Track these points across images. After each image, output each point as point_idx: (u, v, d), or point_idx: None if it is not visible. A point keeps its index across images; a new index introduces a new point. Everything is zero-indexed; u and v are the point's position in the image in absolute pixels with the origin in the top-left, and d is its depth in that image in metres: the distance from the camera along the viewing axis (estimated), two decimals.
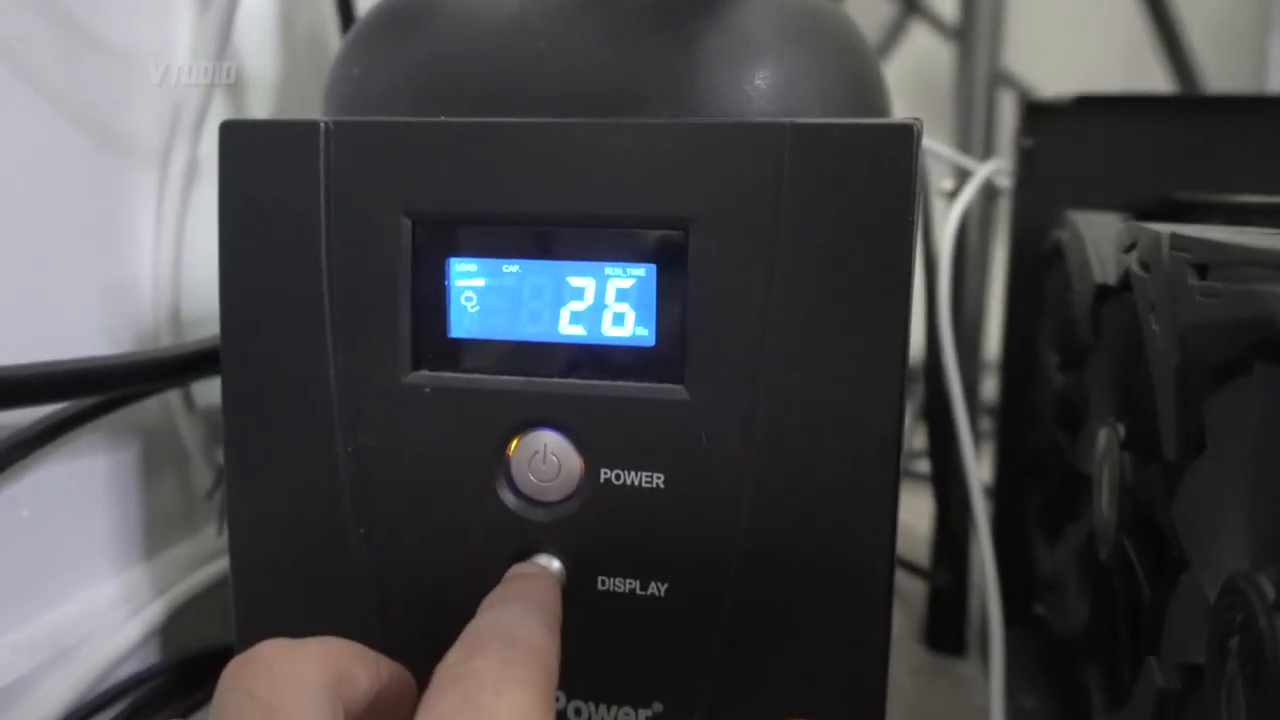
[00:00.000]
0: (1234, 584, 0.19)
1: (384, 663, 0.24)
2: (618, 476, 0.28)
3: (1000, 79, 0.72)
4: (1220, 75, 0.88)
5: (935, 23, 0.94)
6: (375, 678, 0.23)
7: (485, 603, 0.24)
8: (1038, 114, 0.48)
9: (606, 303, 0.28)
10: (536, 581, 0.26)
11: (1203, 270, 0.23)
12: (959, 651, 0.50)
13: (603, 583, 0.28)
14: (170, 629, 0.40)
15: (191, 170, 0.42)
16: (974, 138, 0.62)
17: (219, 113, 0.44)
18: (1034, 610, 0.46)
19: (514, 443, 0.28)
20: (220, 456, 0.44)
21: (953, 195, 0.53)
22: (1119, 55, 0.98)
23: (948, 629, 0.50)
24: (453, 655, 0.21)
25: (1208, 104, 0.48)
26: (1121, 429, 0.30)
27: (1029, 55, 0.90)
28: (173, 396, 0.42)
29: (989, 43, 0.67)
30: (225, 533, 0.43)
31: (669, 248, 0.28)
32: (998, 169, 0.54)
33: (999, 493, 0.50)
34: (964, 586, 0.50)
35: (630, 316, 0.28)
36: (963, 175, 0.54)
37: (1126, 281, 0.30)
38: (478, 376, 0.29)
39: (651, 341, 0.28)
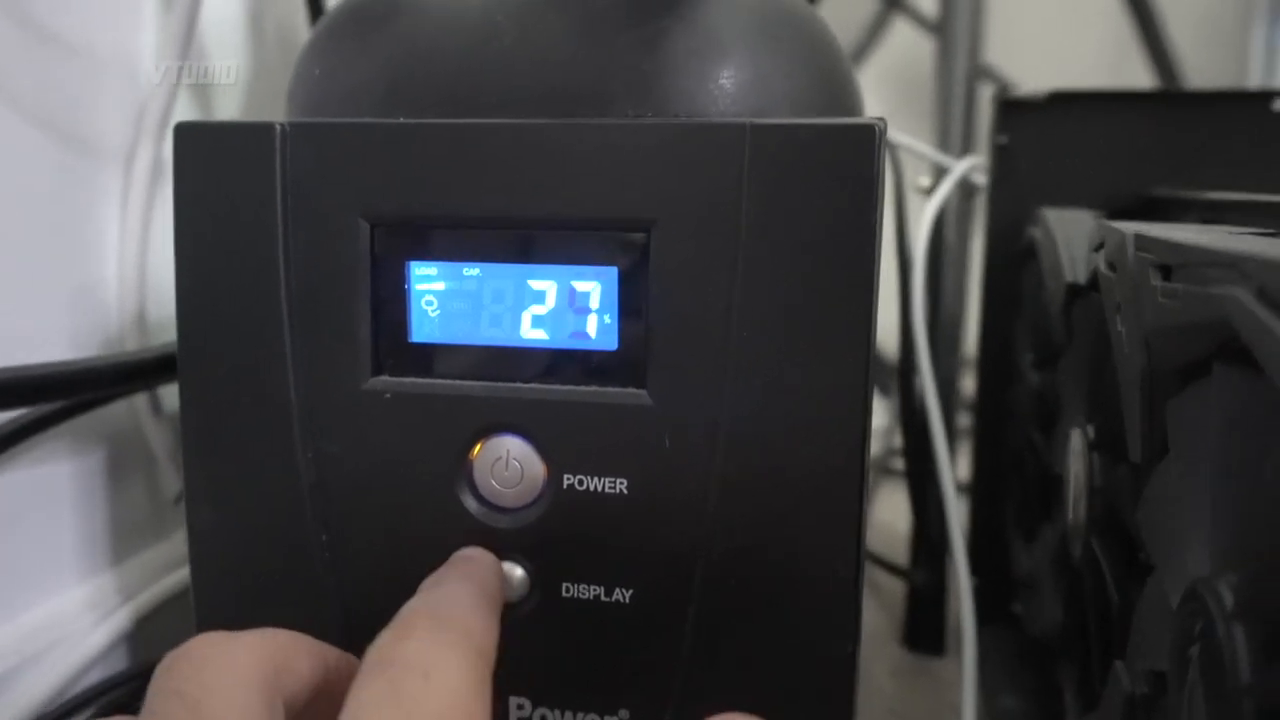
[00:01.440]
0: (1194, 591, 0.19)
1: (331, 652, 0.23)
2: (580, 482, 0.27)
3: (981, 74, 0.72)
4: (1202, 70, 0.88)
5: (916, 18, 0.94)
6: (319, 666, 0.23)
7: (422, 585, 0.24)
8: (1012, 111, 0.48)
9: (569, 306, 0.28)
10: (476, 564, 0.26)
11: (1166, 271, 0.23)
12: (938, 651, 0.49)
13: (567, 589, 0.28)
14: (138, 635, 0.39)
15: (156, 172, 0.41)
16: (953, 134, 0.61)
17: (184, 112, 0.44)
18: (1013, 609, 0.46)
19: (476, 448, 0.28)
20: None
21: (929, 192, 0.53)
22: (1100, 50, 0.98)
23: (927, 629, 0.50)
24: (383, 638, 0.21)
25: (1183, 100, 0.48)
26: (1091, 430, 0.30)
27: (1010, 51, 0.90)
28: (139, 401, 0.41)
29: (968, 38, 0.67)
30: None
31: (631, 250, 0.27)
32: (974, 166, 0.54)
33: (977, 491, 0.50)
34: (943, 586, 0.50)
35: (592, 320, 0.28)
36: (940, 172, 0.54)
37: (1096, 281, 0.30)
38: (439, 382, 0.28)
39: (614, 345, 0.28)
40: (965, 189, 0.56)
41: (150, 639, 0.40)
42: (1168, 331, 0.22)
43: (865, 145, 0.26)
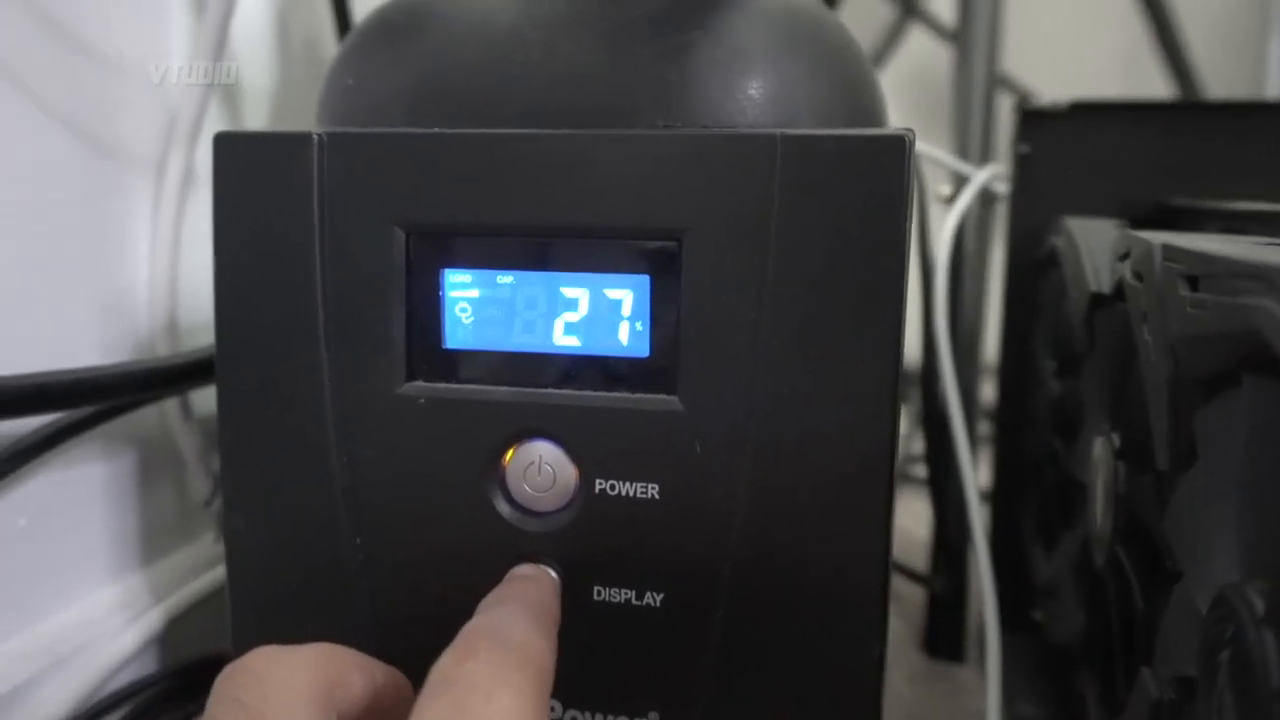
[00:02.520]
0: (1224, 597, 0.19)
1: (379, 668, 0.24)
2: (612, 487, 0.28)
3: (999, 83, 0.72)
4: (1219, 79, 0.88)
5: (934, 26, 0.94)
6: (370, 683, 0.23)
7: (482, 604, 0.24)
8: (1034, 120, 0.48)
9: (601, 314, 0.28)
10: (534, 583, 0.26)
11: (1194, 282, 0.23)
12: (958, 657, 0.50)
13: (598, 593, 0.28)
14: (168, 637, 0.40)
15: (187, 179, 0.42)
16: (972, 143, 0.62)
17: (215, 121, 0.44)
18: (1032, 616, 0.46)
19: (509, 453, 0.29)
20: (217, 465, 0.44)
21: (950, 200, 0.53)
22: (1118, 59, 0.98)
23: (946, 635, 0.50)
24: (445, 659, 0.21)
25: (1203, 110, 0.48)
26: (1116, 438, 0.30)
27: (1028, 59, 0.90)
28: (169, 405, 0.42)
29: (987, 47, 0.67)
30: (221, 540, 0.44)
31: (663, 259, 0.28)
32: (995, 174, 0.54)
33: (997, 498, 0.50)
34: (963, 592, 0.50)
35: (624, 327, 0.28)
36: (960, 181, 0.54)
37: (1120, 290, 0.30)
38: (472, 387, 0.29)
39: (645, 352, 0.28)
40: (984, 198, 0.56)
41: (180, 641, 0.41)
42: (1195, 341, 0.22)
43: (895, 156, 0.26)
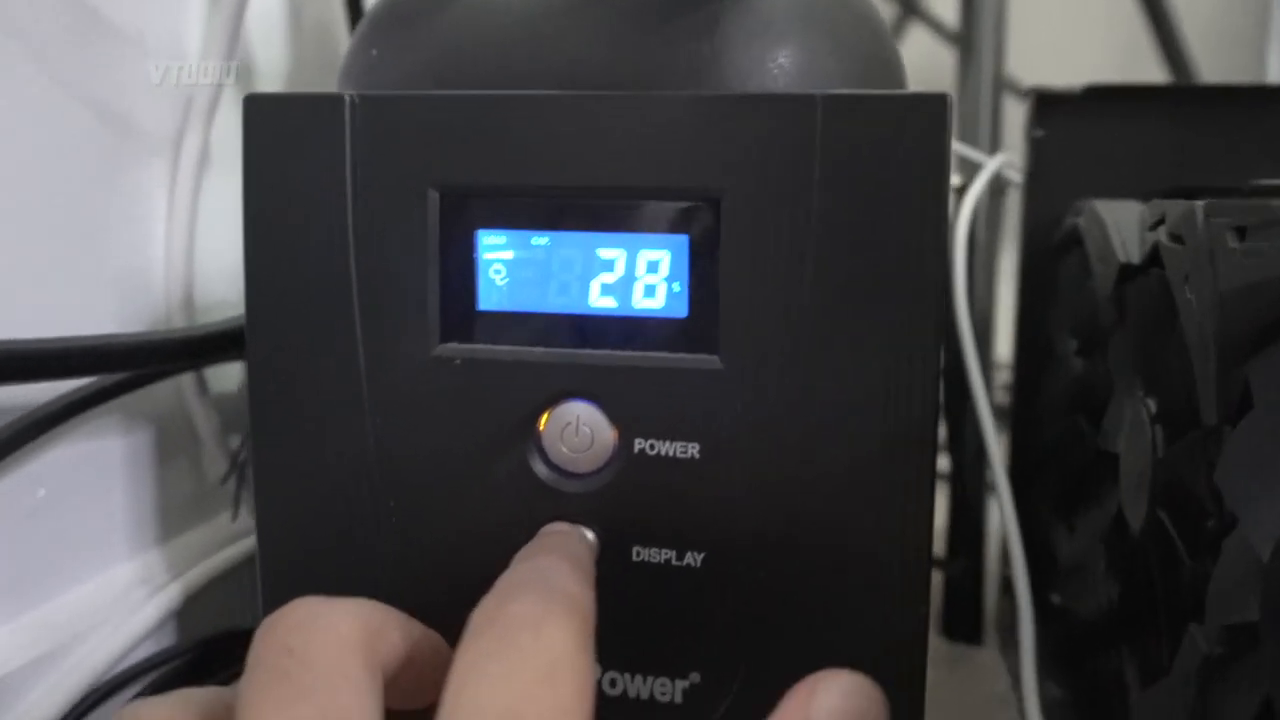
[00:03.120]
0: None
1: (416, 626, 0.24)
2: (651, 447, 0.28)
3: (1002, 83, 0.73)
4: (1218, 77, 0.88)
5: (935, 26, 0.95)
6: (408, 640, 0.23)
7: (518, 556, 0.24)
8: (1048, 105, 0.48)
9: (637, 275, 0.28)
10: (569, 537, 0.26)
11: (1242, 233, 0.23)
12: (976, 640, 0.49)
13: (637, 553, 0.28)
14: (186, 612, 0.39)
15: (204, 158, 0.41)
16: (981, 133, 0.62)
17: (230, 102, 0.44)
18: (1050, 600, 0.46)
19: (545, 415, 0.28)
20: (233, 443, 0.44)
21: (961, 191, 0.53)
22: (1118, 60, 0.99)
23: (964, 617, 0.50)
24: (488, 601, 0.21)
25: (1216, 94, 0.48)
26: (1151, 403, 0.30)
27: (1027, 59, 0.90)
28: (186, 381, 0.41)
29: (994, 38, 0.67)
30: (239, 519, 0.44)
31: (701, 219, 0.27)
32: (1007, 162, 0.54)
33: (1014, 484, 0.50)
34: (980, 575, 0.50)
35: (661, 288, 0.28)
36: (971, 170, 0.54)
37: (1152, 259, 0.30)
38: (508, 348, 0.28)
39: (684, 313, 0.28)
40: (993, 188, 0.56)
41: (198, 617, 0.40)
42: (1249, 291, 0.22)
43: (936, 115, 0.26)
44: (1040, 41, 0.93)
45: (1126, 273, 0.33)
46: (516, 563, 0.24)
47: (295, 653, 0.20)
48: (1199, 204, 0.25)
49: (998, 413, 0.61)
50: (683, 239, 0.28)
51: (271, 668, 0.20)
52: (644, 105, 0.27)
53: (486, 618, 0.20)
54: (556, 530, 0.27)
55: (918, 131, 0.26)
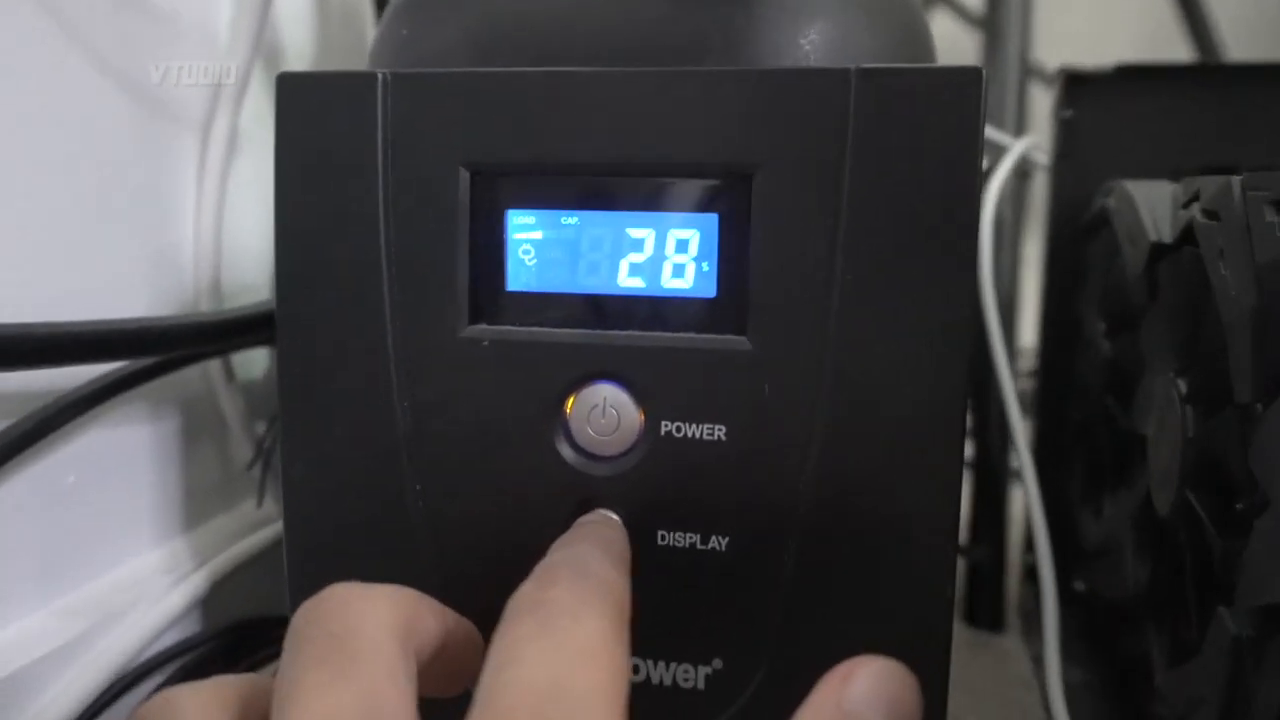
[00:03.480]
0: None
1: (450, 614, 0.24)
2: (678, 429, 0.27)
3: (1027, 67, 0.72)
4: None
5: (960, 10, 0.94)
6: (442, 627, 0.23)
7: (556, 544, 0.24)
8: (1077, 85, 0.48)
9: (666, 254, 0.28)
10: (605, 526, 0.26)
11: (1279, 207, 0.23)
12: (998, 627, 0.49)
13: (663, 537, 0.28)
14: (212, 599, 0.40)
15: (233, 140, 0.42)
16: (1007, 115, 0.61)
17: (259, 84, 0.44)
18: (1073, 586, 0.46)
19: (572, 396, 0.28)
20: (259, 430, 0.44)
21: (986, 174, 0.53)
22: (1143, 46, 0.98)
23: (987, 604, 0.49)
24: (527, 586, 0.21)
25: (1248, 72, 0.48)
26: (1183, 383, 0.30)
27: (1052, 44, 0.89)
28: (213, 367, 0.42)
29: (1019, 28, 0.66)
30: (263, 505, 0.44)
31: (731, 197, 0.27)
32: (1033, 144, 0.54)
33: (1040, 469, 0.49)
34: (1002, 561, 0.49)
35: (690, 268, 0.28)
36: (997, 153, 0.54)
37: (1185, 237, 0.30)
38: (536, 329, 0.28)
39: (713, 293, 0.28)
40: (1019, 171, 0.56)
41: (224, 604, 0.40)
42: None
43: (970, 89, 0.26)
44: (1065, 27, 0.92)
45: (1158, 251, 0.33)
46: (554, 550, 0.24)
47: (335, 637, 0.20)
48: (1235, 178, 0.25)
49: (1021, 399, 0.60)
50: (712, 218, 0.28)
51: (311, 652, 0.20)
52: (675, 81, 0.27)
53: (526, 602, 0.21)
54: (591, 519, 0.27)
55: (951, 105, 0.26)
